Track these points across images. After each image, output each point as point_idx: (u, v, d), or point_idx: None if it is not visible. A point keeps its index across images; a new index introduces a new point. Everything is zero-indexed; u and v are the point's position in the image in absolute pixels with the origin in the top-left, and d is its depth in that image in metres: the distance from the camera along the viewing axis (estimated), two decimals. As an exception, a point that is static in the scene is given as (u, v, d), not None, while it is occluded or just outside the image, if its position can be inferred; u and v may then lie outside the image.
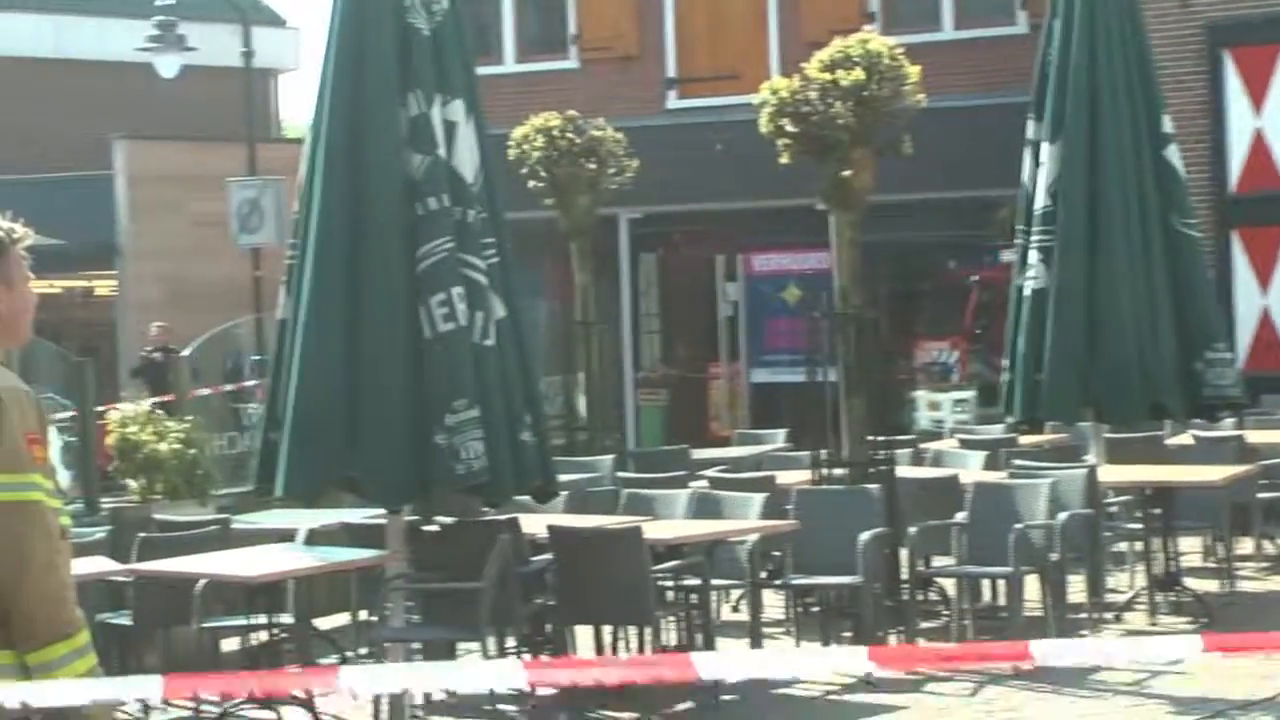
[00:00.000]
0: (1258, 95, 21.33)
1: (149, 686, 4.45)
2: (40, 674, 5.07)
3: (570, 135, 20.44)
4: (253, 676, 4.51)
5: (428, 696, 11.65)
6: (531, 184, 20.22)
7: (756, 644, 12.47)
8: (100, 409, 17.53)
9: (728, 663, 4.25)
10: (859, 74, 15.50)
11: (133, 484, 16.02)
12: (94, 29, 34.38)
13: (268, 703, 11.13)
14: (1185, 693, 11.37)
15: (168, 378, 21.97)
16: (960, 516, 13.48)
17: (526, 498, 11.71)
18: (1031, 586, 13.35)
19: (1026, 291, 15.30)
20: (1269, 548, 16.41)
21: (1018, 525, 13.09)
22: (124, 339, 28.96)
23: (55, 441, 10.88)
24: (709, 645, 12.03)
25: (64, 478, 13.93)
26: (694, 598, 12.41)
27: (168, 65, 26.94)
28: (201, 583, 11.21)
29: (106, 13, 34.20)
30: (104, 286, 32.55)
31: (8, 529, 5.08)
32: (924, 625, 13.56)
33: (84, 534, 11.79)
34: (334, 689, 4.34)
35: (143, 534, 12.50)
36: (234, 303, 26.02)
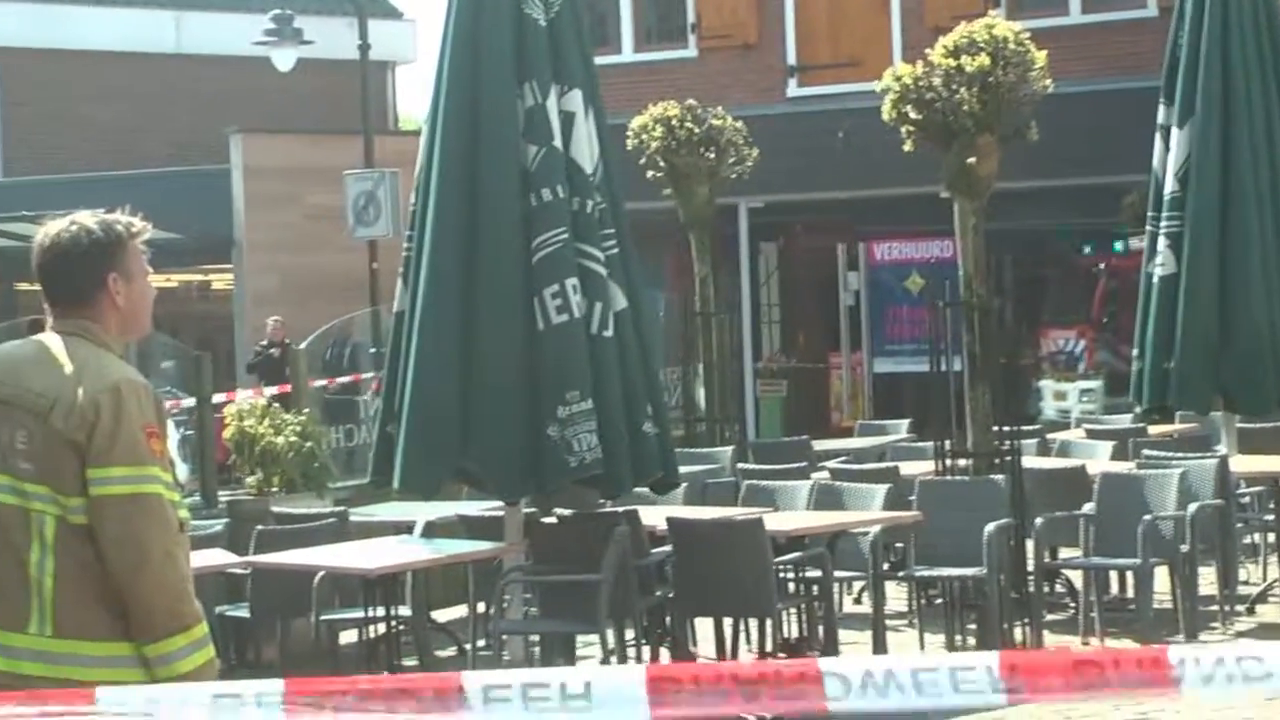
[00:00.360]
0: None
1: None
2: (159, 666, 5.12)
3: (689, 124, 20.38)
4: (370, 682, 4.48)
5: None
6: (650, 174, 20.21)
7: (879, 636, 12.42)
8: (218, 402, 17.73)
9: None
10: (984, 60, 15.39)
11: (250, 477, 16.16)
12: (212, 24, 34.69)
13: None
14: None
15: (284, 372, 22.14)
16: (1088, 507, 13.38)
17: (645, 490, 11.72)
18: (1161, 579, 13.22)
19: (1155, 279, 15.15)
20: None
21: (1147, 516, 12.96)
22: (240, 333, 29.18)
23: (173, 435, 11.00)
24: (830, 638, 11.98)
25: (182, 471, 14.07)
26: (815, 590, 12.39)
27: (284, 59, 27.13)
28: (319, 575, 11.29)
29: (225, 7, 34.52)
30: (220, 280, 32.84)
31: (127, 522, 5.11)
32: (1050, 618, 13.45)
33: (202, 527, 11.89)
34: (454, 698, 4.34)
35: (260, 527, 12.60)
36: (349, 295, 26.15)
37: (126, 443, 5.14)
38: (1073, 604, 13.85)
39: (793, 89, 25.86)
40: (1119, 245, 23.81)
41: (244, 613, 11.96)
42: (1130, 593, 13.70)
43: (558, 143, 10.88)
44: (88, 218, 5.41)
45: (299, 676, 4.52)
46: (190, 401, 18.47)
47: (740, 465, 16.02)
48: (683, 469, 13.23)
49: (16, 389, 5.23)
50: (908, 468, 14.77)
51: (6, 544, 5.17)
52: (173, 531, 5.19)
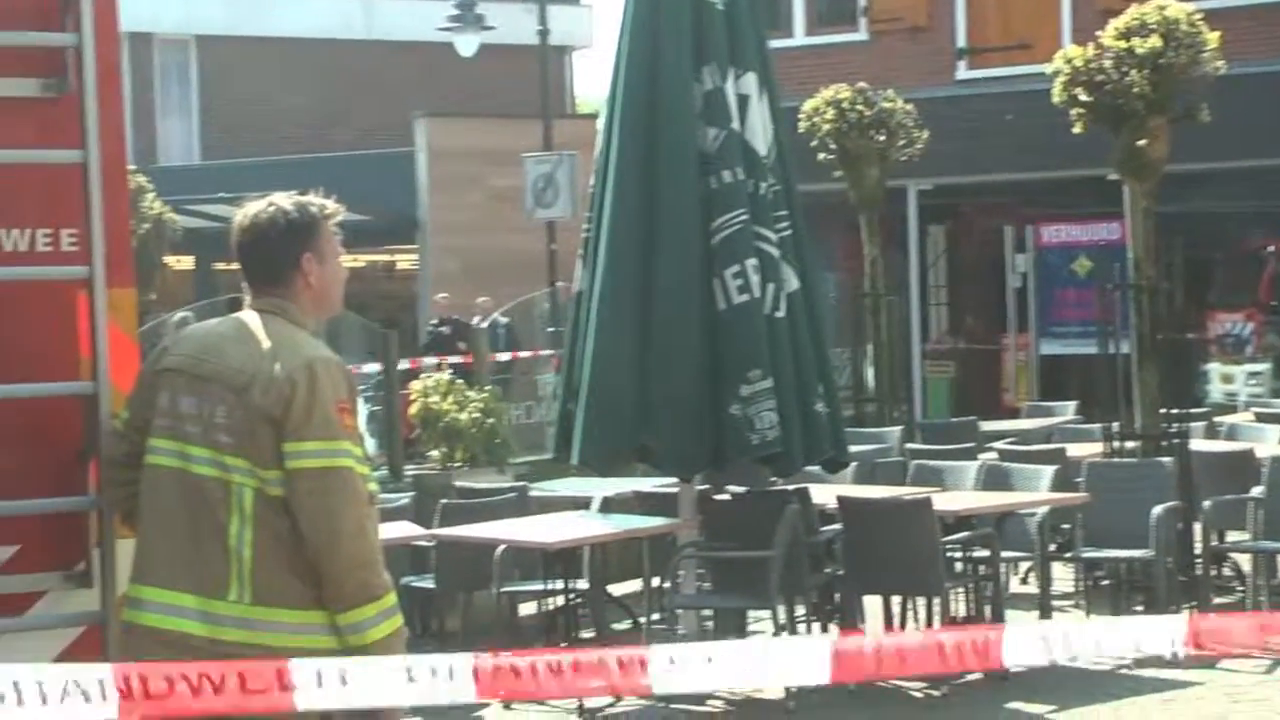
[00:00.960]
0: None
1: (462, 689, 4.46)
2: (350, 634, 5.16)
3: (860, 107, 20.28)
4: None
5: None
6: (821, 156, 20.14)
7: (1045, 616, 12.30)
8: (404, 379, 17.88)
9: (1025, 648, 4.13)
10: (1156, 41, 15.19)
11: (434, 452, 16.30)
12: (399, 10, 34.99)
13: None
14: None
15: (456, 350, 22.25)
16: (1256, 491, 13.12)
17: (814, 468, 11.68)
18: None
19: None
20: None
21: (1316, 499, 12.78)
22: (423, 312, 29.42)
23: (361, 410, 11.11)
24: (997, 617, 11.89)
25: (369, 446, 14.19)
26: (982, 569, 12.30)
27: (467, 44, 27.33)
28: (501, 548, 11.35)
29: (406, -7, 34.85)
30: (405, 260, 33.14)
31: (320, 494, 5.16)
32: (1217, 601, 13.25)
33: (389, 500, 12.00)
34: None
35: (444, 500, 12.69)
36: (527, 275, 26.29)
37: (320, 418, 5.19)
38: (1240, 587, 13.65)
39: (962, 71, 25.66)
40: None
41: (429, 584, 12.06)
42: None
43: (735, 125, 10.87)
44: (285, 199, 5.47)
45: (480, 648, 4.54)
46: (372, 367, 18.67)
47: (908, 445, 15.97)
48: (851, 448, 13.20)
49: (217, 365, 5.30)
50: (1075, 449, 14.65)
51: (208, 515, 5.24)
52: (364, 504, 5.23)
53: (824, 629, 11.92)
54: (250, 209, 5.47)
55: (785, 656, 4.37)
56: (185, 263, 31.14)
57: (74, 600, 5.75)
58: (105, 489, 5.59)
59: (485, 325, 24.06)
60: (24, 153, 5.72)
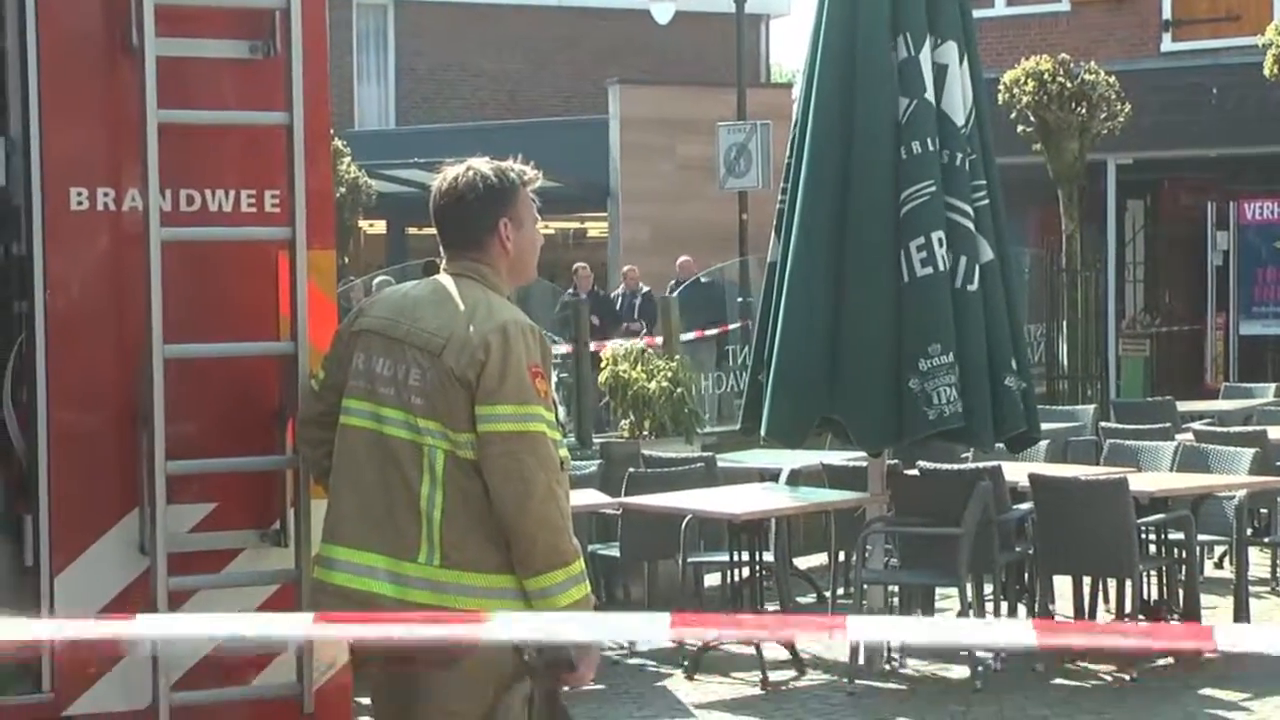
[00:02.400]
0: None
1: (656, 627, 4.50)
2: (537, 599, 5.20)
3: (1061, 79, 20.14)
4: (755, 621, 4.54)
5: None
6: (1020, 129, 20.00)
7: (1240, 603, 12.12)
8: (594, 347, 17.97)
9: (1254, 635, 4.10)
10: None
11: (623, 421, 16.35)
12: (593, -24, 35.14)
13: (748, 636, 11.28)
14: None
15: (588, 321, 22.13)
16: None
17: (1000, 446, 11.58)
18: None
19: None
20: None
21: None
22: (614, 280, 29.54)
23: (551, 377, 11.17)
24: (1191, 601, 11.74)
25: (560, 413, 14.26)
26: (1177, 552, 12.15)
27: (663, 12, 27.37)
28: (687, 518, 11.38)
29: (604, -39, 34.92)
30: (595, 228, 33.25)
31: (512, 458, 5.19)
32: None
33: (578, 468, 12.04)
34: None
35: (632, 469, 12.72)
36: (718, 246, 26.29)
37: (514, 382, 5.21)
38: None
39: (1167, 44, 25.32)
40: None
41: (614, 552, 12.10)
42: None
43: (929, 95, 10.75)
44: (484, 164, 5.50)
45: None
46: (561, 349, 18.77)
47: (1102, 424, 15.78)
48: (1044, 426, 13.07)
49: (411, 328, 5.33)
50: (1275, 432, 14.39)
51: (399, 477, 5.28)
52: (555, 469, 5.25)
53: (1012, 609, 11.85)
54: (449, 173, 5.49)
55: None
56: (378, 227, 31.53)
57: (269, 558, 5.86)
58: (300, 448, 5.68)
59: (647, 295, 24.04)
60: (230, 114, 5.81)
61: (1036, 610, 11.60)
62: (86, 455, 5.69)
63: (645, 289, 24.70)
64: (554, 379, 5.60)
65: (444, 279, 5.45)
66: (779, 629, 4.37)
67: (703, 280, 24.75)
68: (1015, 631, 4.12)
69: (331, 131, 6.27)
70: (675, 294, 23.42)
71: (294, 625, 5.13)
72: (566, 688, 5.38)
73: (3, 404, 5.89)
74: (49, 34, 5.62)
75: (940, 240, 10.61)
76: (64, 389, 5.68)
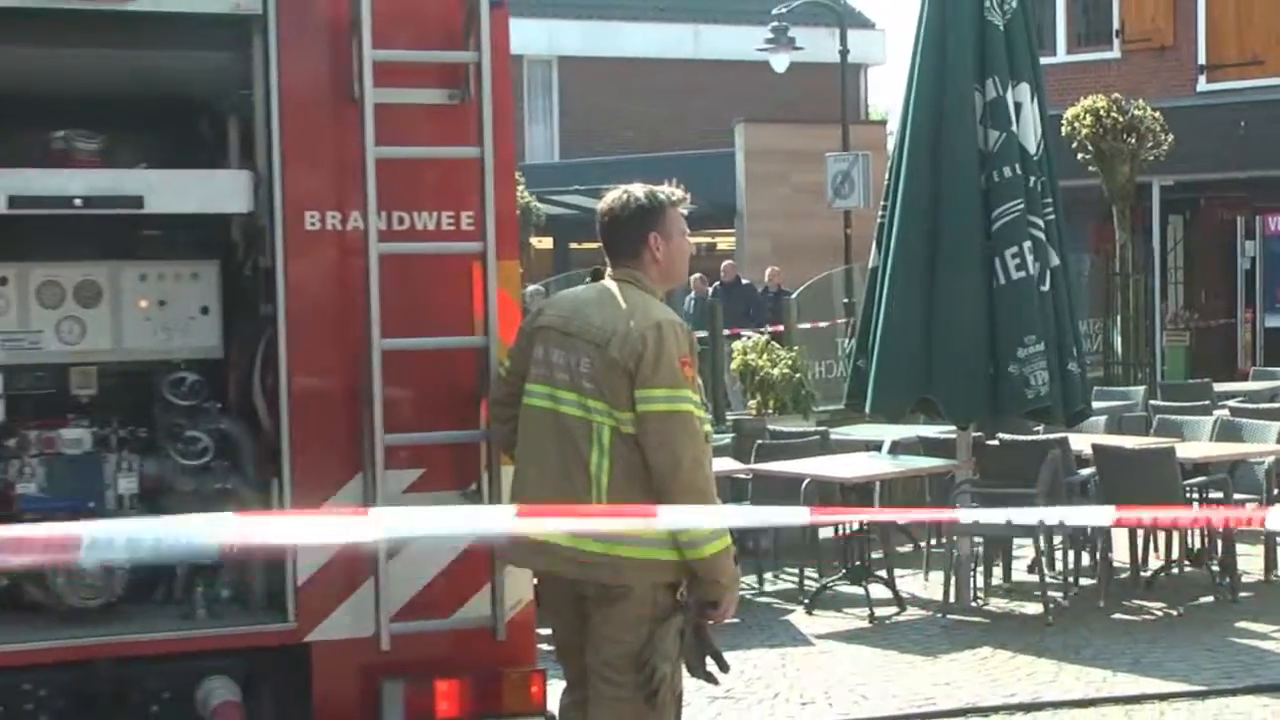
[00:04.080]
0: None
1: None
2: (687, 549, 5.19)
3: (1114, 115, 19.98)
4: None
5: (988, 581, 11.56)
6: (1080, 156, 19.82)
7: (1270, 552, 11.95)
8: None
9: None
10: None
11: (751, 401, 16.33)
12: (723, 34, 35.03)
13: (857, 579, 11.23)
14: None
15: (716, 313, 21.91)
16: None
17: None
18: None
19: None
20: None
21: None
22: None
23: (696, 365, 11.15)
24: (1228, 549, 11.57)
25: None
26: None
27: (780, 62, 27.17)
28: (805, 481, 11.33)
29: (732, 20, 34.82)
30: (724, 241, 33.18)
31: (664, 434, 5.18)
32: None
33: (716, 440, 12.03)
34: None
35: (759, 441, 12.71)
36: (826, 255, 26.17)
37: (666, 370, 5.21)
38: None
39: (1202, 84, 24.98)
40: None
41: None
42: None
43: (1014, 128, 10.70)
44: (638, 188, 5.53)
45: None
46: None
47: (1151, 402, 15.62)
48: (1102, 404, 12.96)
49: (582, 324, 5.36)
50: (1299, 408, 14.18)
51: (574, 448, 5.29)
52: (700, 442, 5.23)
53: (1077, 558, 11.72)
54: (609, 196, 5.53)
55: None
56: (545, 243, 31.58)
57: (470, 514, 5.88)
58: (492, 425, 5.70)
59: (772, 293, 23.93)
60: (432, 149, 5.83)
61: (1098, 558, 11.47)
62: (319, 430, 5.72)
63: (782, 287, 24.63)
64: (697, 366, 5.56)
65: (608, 284, 5.47)
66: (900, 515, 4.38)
67: (743, 282, 24.62)
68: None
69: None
70: (713, 294, 23.25)
71: (499, 519, 5.08)
72: (711, 623, 5.37)
73: (254, 389, 5.95)
74: (288, 89, 5.66)
75: (1030, 249, 10.59)
76: (301, 376, 5.70)
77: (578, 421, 5.31)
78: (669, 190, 5.53)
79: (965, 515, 4.22)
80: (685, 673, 5.39)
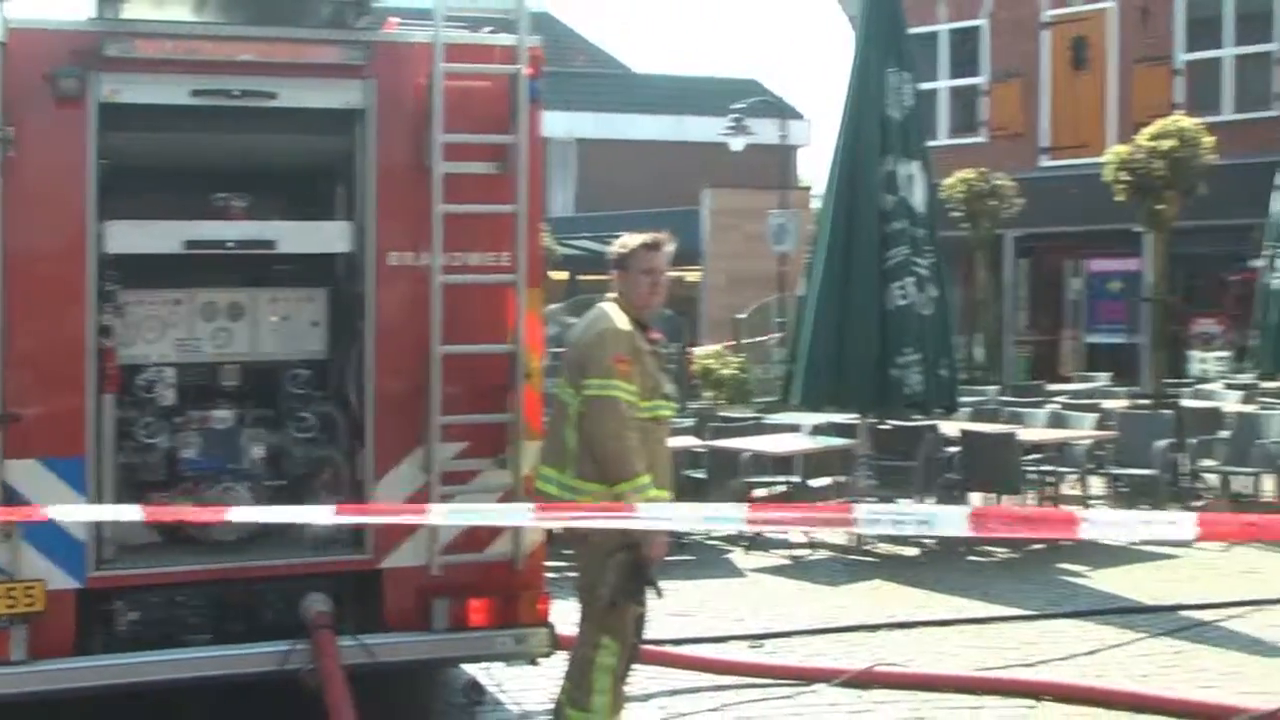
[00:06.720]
0: None
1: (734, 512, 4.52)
2: (616, 499, 5.08)
3: (980, 183, 20.07)
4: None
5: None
6: (954, 213, 19.88)
7: (1085, 509, 11.99)
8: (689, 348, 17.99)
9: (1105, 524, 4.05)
10: (1173, 142, 14.75)
11: (706, 393, 16.36)
12: (698, 123, 35.07)
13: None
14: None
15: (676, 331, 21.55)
16: (1223, 433, 12.71)
17: (938, 411, 11.47)
18: (1268, 482, 12.49)
19: (1272, 286, 14.38)
20: None
21: (1260, 440, 12.29)
22: (704, 307, 29.50)
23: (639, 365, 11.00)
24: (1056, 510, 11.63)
25: (671, 390, 14.09)
26: (1048, 479, 12.02)
27: (737, 144, 27.15)
28: (746, 454, 11.34)
29: (699, 113, 34.89)
30: (692, 276, 33.08)
31: (594, 411, 5.14)
32: (1194, 504, 12.78)
33: (680, 424, 12.01)
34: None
35: (712, 423, 12.70)
36: (766, 286, 26.18)
37: (601, 365, 5.16)
38: (1209, 497, 13.12)
39: (1044, 162, 25.01)
40: (1243, 264, 22.40)
41: (702, 475, 12.02)
42: (1250, 490, 12.93)
43: (903, 193, 10.65)
44: (626, 236, 5.49)
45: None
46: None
47: (1001, 398, 15.66)
48: (966, 399, 12.96)
49: (570, 333, 5.48)
50: (1108, 403, 14.24)
51: (561, 421, 5.30)
52: (621, 421, 5.10)
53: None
54: (613, 242, 5.52)
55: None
56: (561, 275, 31.48)
57: (497, 477, 5.88)
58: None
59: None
60: (482, 206, 5.87)
61: (960, 511, 11.48)
62: (393, 413, 5.76)
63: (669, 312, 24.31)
64: (658, 367, 5.47)
65: (601, 303, 5.44)
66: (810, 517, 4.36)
67: (666, 314, 24.34)
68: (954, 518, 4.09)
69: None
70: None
71: (518, 515, 5.12)
72: (654, 556, 5.22)
73: (348, 382, 5.98)
74: (382, 161, 5.71)
75: (914, 283, 10.54)
76: (381, 374, 5.76)
77: (562, 402, 5.34)
78: (648, 237, 5.45)
79: (860, 512, 4.22)
80: (651, 594, 5.29)
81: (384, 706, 6.24)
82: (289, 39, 5.61)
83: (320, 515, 4.85)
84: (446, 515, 4.89)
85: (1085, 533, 3.74)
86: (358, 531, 5.79)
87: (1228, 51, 23.16)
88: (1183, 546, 10.57)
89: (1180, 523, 3.59)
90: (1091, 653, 7.62)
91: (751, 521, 4.49)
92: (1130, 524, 4.11)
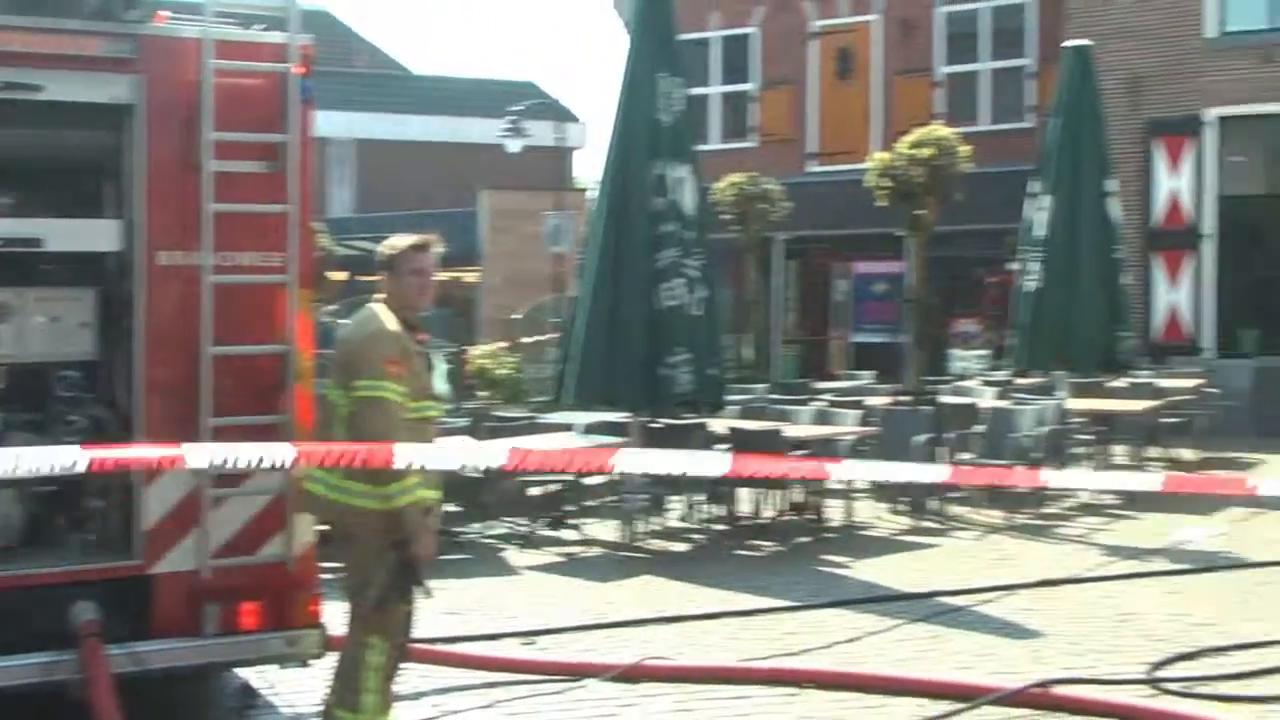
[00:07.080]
0: (1172, 166, 20.80)
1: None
2: (384, 500, 5.12)
3: (750, 187, 20.45)
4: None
5: (649, 527, 11.70)
6: (724, 216, 20.24)
7: (849, 507, 12.33)
8: (465, 348, 17.88)
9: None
10: (932, 150, 15.40)
11: (482, 393, 16.31)
12: (474, 125, 34.94)
13: (555, 526, 11.15)
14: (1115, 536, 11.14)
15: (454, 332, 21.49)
16: (979, 428, 13.30)
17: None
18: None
19: (1026, 289, 15.12)
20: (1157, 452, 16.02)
21: (1012, 435, 12.92)
22: (482, 307, 29.40)
23: (441, 367, 10.99)
24: (819, 506, 11.90)
25: (445, 390, 14.04)
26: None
27: (513, 146, 27.19)
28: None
29: (477, 114, 34.82)
30: (470, 275, 32.93)
31: (364, 411, 5.15)
32: (951, 496, 13.32)
33: (453, 423, 11.95)
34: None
35: (487, 423, 12.64)
36: (544, 286, 26.29)
37: (371, 367, 5.16)
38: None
39: (812, 166, 25.69)
40: (1001, 266, 23.54)
41: (478, 475, 11.97)
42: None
43: (674, 196, 10.75)
44: (395, 238, 5.48)
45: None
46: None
47: (770, 396, 15.97)
48: (735, 397, 13.17)
49: (339, 334, 5.44)
50: (871, 400, 14.70)
51: (332, 422, 5.29)
52: (389, 419, 5.11)
53: (713, 508, 11.89)
54: (382, 243, 5.51)
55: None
56: (340, 275, 30.95)
57: (269, 478, 5.82)
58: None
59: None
60: (254, 206, 5.83)
61: (729, 509, 11.72)
62: (164, 415, 5.67)
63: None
64: (444, 368, 5.58)
65: (372, 304, 5.43)
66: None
67: (445, 313, 24.41)
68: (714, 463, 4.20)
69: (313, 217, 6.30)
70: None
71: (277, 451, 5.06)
72: (422, 555, 5.25)
73: (118, 383, 5.88)
74: (154, 158, 5.63)
75: (682, 284, 10.64)
76: (152, 374, 5.68)
77: (330, 404, 5.33)
78: (416, 238, 5.45)
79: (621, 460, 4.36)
80: (420, 593, 5.30)
81: (156, 714, 6.14)
82: (55, 30, 5.48)
83: (66, 456, 4.61)
84: (205, 457, 4.78)
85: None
86: (128, 537, 5.70)
87: (985, 65, 24.25)
88: (927, 536, 10.96)
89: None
90: (852, 640, 7.85)
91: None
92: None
